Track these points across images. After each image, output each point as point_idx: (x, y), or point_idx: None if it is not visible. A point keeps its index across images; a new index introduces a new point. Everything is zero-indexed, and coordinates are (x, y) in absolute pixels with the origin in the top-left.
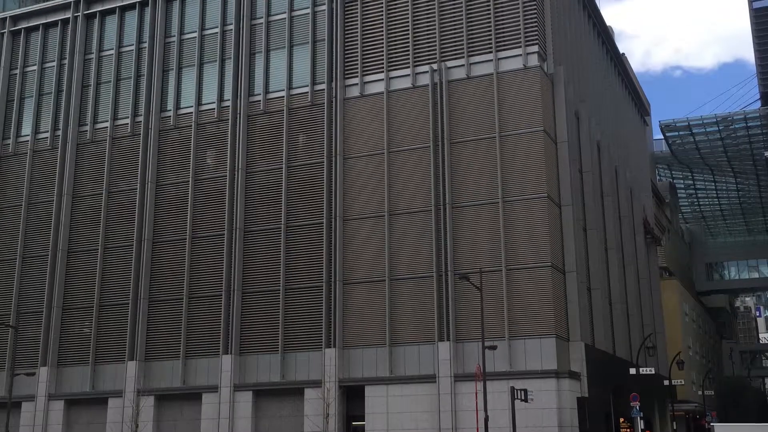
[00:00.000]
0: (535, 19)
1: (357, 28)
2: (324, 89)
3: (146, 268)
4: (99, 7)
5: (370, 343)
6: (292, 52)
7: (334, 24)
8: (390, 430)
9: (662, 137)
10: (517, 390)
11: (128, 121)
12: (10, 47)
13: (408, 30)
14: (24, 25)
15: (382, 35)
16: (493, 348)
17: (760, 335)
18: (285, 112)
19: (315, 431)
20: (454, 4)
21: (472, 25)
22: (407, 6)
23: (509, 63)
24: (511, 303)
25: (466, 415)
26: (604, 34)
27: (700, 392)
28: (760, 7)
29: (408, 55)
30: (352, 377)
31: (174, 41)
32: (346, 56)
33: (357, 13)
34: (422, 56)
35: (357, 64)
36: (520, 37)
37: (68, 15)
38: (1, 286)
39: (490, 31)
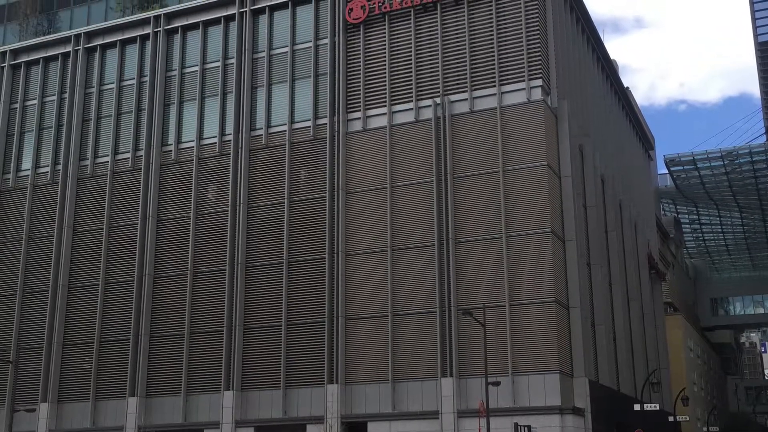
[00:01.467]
0: (539, 53)
1: (359, 62)
2: (326, 123)
3: (147, 304)
4: (100, 41)
5: (372, 378)
6: (294, 86)
7: (337, 58)
8: None
9: (667, 172)
10: (520, 426)
11: (129, 155)
12: (10, 81)
13: (411, 64)
14: (24, 58)
15: (385, 69)
16: (497, 384)
17: (766, 371)
18: (287, 146)
19: None
20: (457, 38)
21: (475, 59)
22: (410, 39)
23: (513, 97)
24: (515, 338)
25: None
26: (608, 68)
27: (705, 429)
28: (766, 41)
29: (411, 88)
30: (355, 413)
31: (175, 75)
32: (348, 90)
33: (359, 46)
34: (425, 90)
35: (359, 98)
36: (523, 71)
37: (69, 49)
38: (1, 321)
39: (493, 64)
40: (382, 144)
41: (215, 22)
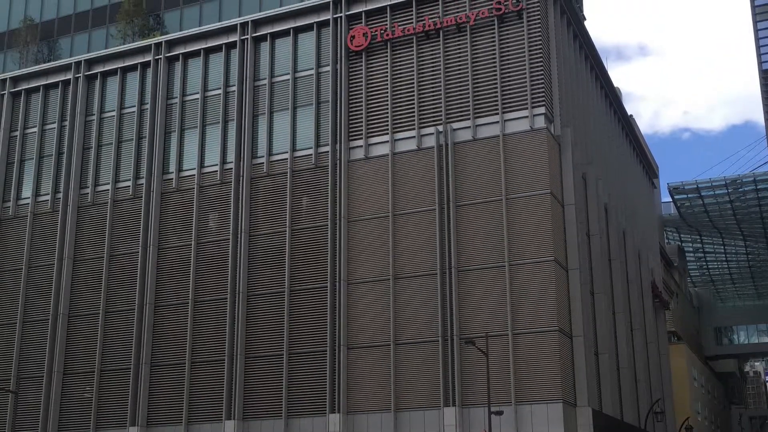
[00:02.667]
0: (542, 80)
1: (361, 90)
2: (328, 151)
3: (148, 333)
4: (100, 68)
5: (374, 408)
6: (296, 114)
7: (339, 85)
8: None
9: (670, 200)
10: None
11: (130, 183)
12: (10, 108)
13: (413, 91)
14: (24, 86)
15: (387, 96)
16: (500, 413)
17: None
18: (288, 174)
19: None
20: (459, 65)
21: (477, 86)
22: (412, 67)
23: (516, 125)
24: (518, 367)
25: None
26: (612, 96)
27: None
28: None
29: (413, 116)
30: None
31: (176, 103)
32: (350, 118)
33: (361, 74)
34: (428, 118)
35: (362, 126)
36: (526, 99)
37: (69, 76)
38: (1, 349)
39: (496, 92)
40: (384, 172)
41: (216, 49)
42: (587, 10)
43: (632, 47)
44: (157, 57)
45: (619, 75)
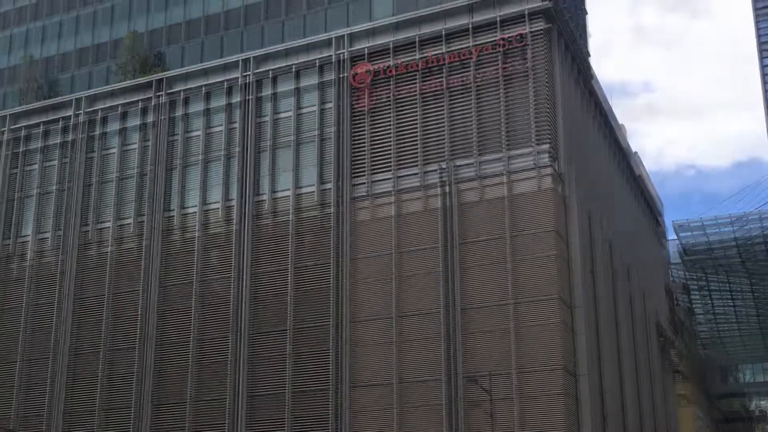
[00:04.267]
0: (547, 119)
1: (365, 126)
2: (331, 188)
3: (150, 371)
4: (101, 105)
5: None
6: (299, 151)
7: (342, 122)
8: None
9: (676, 237)
10: None
11: (131, 221)
12: (11, 146)
13: (417, 128)
14: (25, 123)
15: (391, 133)
16: None
17: None
18: (291, 211)
19: None
20: (463, 103)
21: (482, 124)
22: (416, 104)
23: (520, 162)
24: (522, 405)
25: None
26: (616, 133)
27: None
28: None
29: (417, 153)
30: None
31: (178, 139)
32: (353, 155)
33: (365, 110)
34: (432, 155)
35: (365, 163)
36: (531, 137)
37: (70, 113)
38: (2, 389)
39: (500, 130)
40: (387, 209)
41: (218, 85)
42: (592, 46)
43: (637, 83)
44: (158, 93)
45: (624, 111)
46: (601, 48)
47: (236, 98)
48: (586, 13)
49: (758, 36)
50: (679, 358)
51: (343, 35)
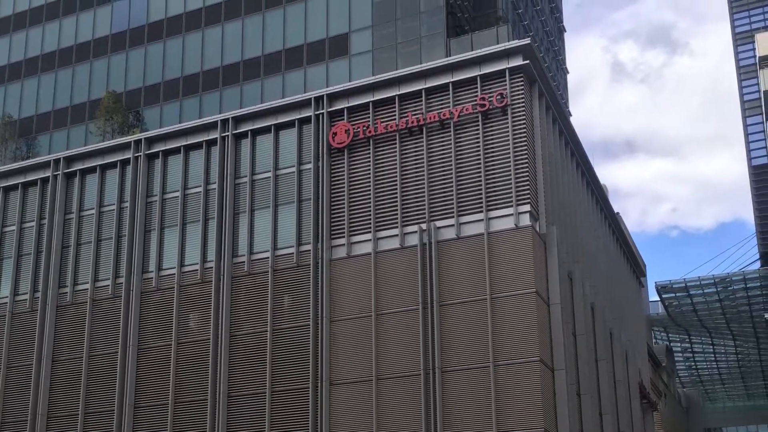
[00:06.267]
0: (527, 179)
1: (344, 188)
2: (310, 250)
3: None
4: (79, 166)
5: None
6: (278, 212)
7: (321, 183)
8: None
9: (658, 299)
10: None
11: (109, 282)
12: None
13: (396, 189)
14: (2, 183)
15: (370, 194)
16: None
17: None
18: (270, 273)
19: None
20: (443, 163)
21: (461, 184)
22: (395, 165)
23: (500, 223)
24: None
25: None
26: (599, 193)
27: None
28: (759, 165)
29: (396, 214)
30: None
31: (156, 200)
32: (332, 216)
33: (344, 172)
34: (411, 216)
35: (344, 224)
36: (511, 197)
37: (48, 173)
38: None
39: (480, 190)
40: (366, 271)
41: (197, 146)
42: (572, 106)
43: (619, 144)
44: (136, 154)
45: (605, 172)
46: (582, 108)
47: (215, 159)
48: (567, 72)
49: (737, 62)
50: (662, 422)
51: (322, 95)
